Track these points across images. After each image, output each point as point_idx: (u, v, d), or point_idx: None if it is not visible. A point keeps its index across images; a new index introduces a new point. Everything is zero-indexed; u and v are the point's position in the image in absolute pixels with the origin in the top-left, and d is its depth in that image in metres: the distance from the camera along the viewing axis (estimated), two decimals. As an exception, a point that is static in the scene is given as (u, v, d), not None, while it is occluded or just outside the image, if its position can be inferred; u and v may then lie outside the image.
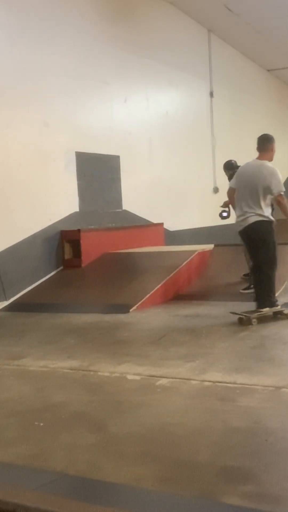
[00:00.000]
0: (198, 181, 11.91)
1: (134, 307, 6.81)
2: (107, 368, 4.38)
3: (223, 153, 12.59)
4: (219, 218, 7.86)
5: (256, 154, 6.12)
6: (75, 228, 8.48)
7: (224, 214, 7.74)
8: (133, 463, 2.72)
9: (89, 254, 8.50)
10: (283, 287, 7.21)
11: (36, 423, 3.31)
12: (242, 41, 13.08)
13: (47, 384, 4.10)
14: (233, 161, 8.28)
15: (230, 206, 7.54)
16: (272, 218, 6.05)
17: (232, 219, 8.03)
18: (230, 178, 7.54)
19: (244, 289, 7.33)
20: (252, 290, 7.22)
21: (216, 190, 12.39)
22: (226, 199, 7.36)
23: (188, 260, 8.13)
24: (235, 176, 6.40)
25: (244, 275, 7.69)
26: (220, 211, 7.78)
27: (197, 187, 11.89)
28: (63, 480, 2.58)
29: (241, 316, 5.85)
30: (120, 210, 9.68)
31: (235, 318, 6.06)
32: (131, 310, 6.74)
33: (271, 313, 5.94)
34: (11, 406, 3.65)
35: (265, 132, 6.26)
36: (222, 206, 7.75)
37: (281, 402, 3.52)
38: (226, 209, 7.71)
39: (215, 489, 2.41)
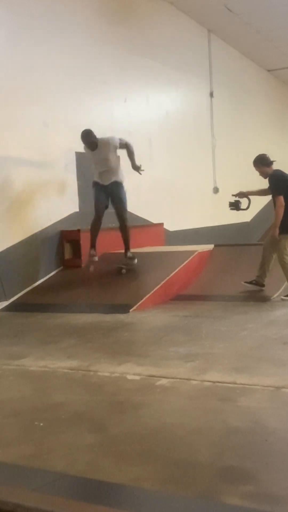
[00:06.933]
0: (198, 181, 11.92)
1: (134, 307, 6.80)
2: (107, 368, 4.37)
3: (223, 153, 12.65)
4: (231, 207, 7.67)
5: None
6: (75, 228, 8.47)
7: (240, 205, 7.58)
8: (133, 463, 2.72)
9: (89, 254, 8.49)
10: (283, 287, 7.22)
11: (36, 423, 3.31)
12: (242, 41, 13.09)
13: (47, 384, 4.10)
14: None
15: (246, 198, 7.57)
16: None
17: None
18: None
19: (246, 282, 7.35)
20: (252, 286, 7.29)
21: (216, 190, 12.41)
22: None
23: (188, 260, 8.12)
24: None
25: (245, 281, 7.43)
26: (235, 201, 7.59)
27: (197, 187, 11.90)
28: (63, 480, 2.58)
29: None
30: (120, 210, 9.66)
31: (234, 317, 6.07)
32: (131, 310, 6.74)
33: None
34: (11, 406, 3.65)
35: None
36: (236, 195, 7.57)
37: (281, 402, 3.52)
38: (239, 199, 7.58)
39: (215, 489, 2.41)
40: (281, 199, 7.02)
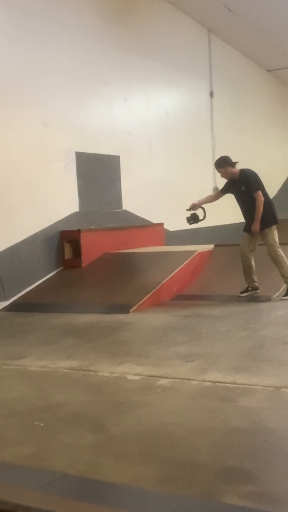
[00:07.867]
0: (198, 181, 11.90)
1: (134, 307, 6.81)
2: (107, 368, 4.38)
3: (223, 153, 12.60)
4: (190, 222, 7.49)
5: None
6: (75, 228, 8.48)
7: (198, 217, 7.49)
8: (133, 463, 2.72)
9: (89, 254, 8.50)
10: (283, 287, 7.22)
11: (36, 423, 3.31)
12: (242, 41, 13.09)
13: (47, 384, 4.10)
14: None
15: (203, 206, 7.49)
16: None
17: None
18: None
19: (242, 292, 7.29)
20: (250, 293, 7.26)
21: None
22: (228, 197, 7.40)
23: (188, 260, 8.12)
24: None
25: (241, 292, 7.32)
26: (191, 214, 7.45)
27: (197, 187, 11.87)
28: (63, 480, 2.58)
29: None
30: (120, 210, 9.68)
31: (234, 318, 6.07)
32: (131, 310, 6.74)
33: None
34: (11, 406, 3.65)
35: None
36: (190, 209, 7.40)
37: (281, 402, 3.51)
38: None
39: (215, 489, 2.41)
40: (260, 193, 7.12)
